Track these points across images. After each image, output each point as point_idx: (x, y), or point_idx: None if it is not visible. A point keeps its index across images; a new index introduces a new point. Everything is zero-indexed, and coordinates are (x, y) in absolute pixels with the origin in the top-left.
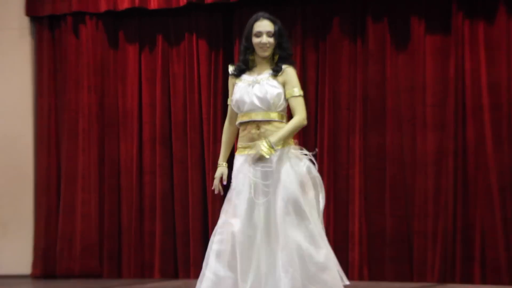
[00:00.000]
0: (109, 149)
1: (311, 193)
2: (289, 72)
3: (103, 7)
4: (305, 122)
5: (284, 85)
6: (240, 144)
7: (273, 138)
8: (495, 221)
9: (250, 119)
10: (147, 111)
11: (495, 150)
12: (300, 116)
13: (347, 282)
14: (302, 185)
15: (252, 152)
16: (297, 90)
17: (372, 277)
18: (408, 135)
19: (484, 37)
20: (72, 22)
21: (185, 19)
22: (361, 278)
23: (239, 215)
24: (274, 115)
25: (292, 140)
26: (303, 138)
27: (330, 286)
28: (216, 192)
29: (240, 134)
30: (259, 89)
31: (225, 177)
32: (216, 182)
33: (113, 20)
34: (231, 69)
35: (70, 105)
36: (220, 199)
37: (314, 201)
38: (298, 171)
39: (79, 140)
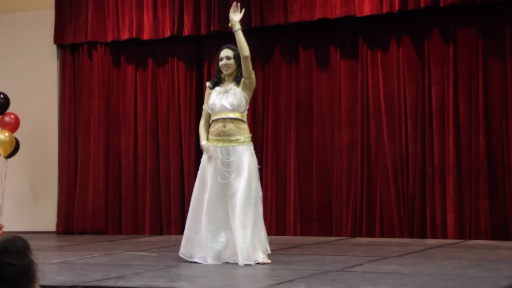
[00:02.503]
0: (113, 140)
1: (257, 180)
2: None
3: (109, 38)
4: (248, 54)
5: (242, 85)
6: (210, 136)
7: (238, 26)
8: (390, 192)
9: (219, 117)
10: (141, 112)
11: (390, 141)
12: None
13: (269, 251)
14: (255, 173)
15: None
16: None
17: (303, 233)
18: (329, 130)
19: (381, 61)
20: (87, 48)
21: (169, 47)
22: (295, 234)
23: (208, 190)
24: (237, 115)
25: (250, 138)
26: (254, 132)
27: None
28: (211, 153)
29: (211, 129)
30: (228, 96)
31: (211, 146)
32: (211, 149)
33: (117, 47)
34: (208, 84)
35: (85, 108)
36: (193, 177)
37: (259, 186)
38: (254, 162)
39: (91, 133)
